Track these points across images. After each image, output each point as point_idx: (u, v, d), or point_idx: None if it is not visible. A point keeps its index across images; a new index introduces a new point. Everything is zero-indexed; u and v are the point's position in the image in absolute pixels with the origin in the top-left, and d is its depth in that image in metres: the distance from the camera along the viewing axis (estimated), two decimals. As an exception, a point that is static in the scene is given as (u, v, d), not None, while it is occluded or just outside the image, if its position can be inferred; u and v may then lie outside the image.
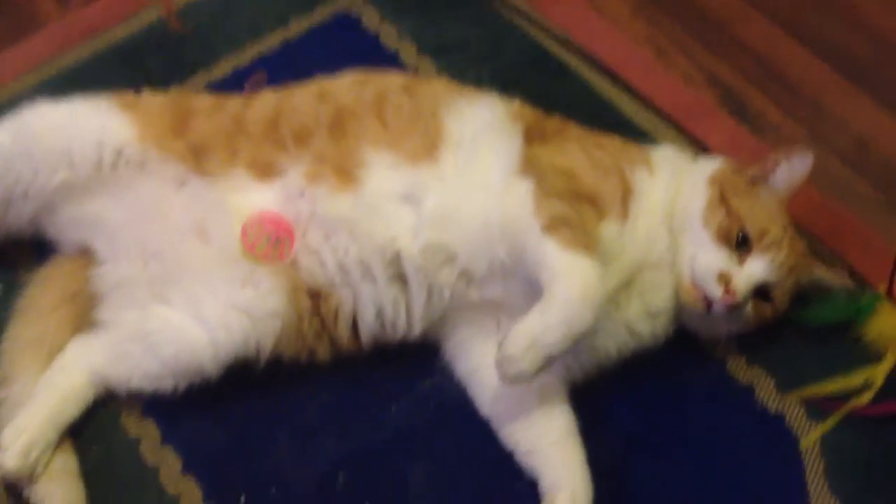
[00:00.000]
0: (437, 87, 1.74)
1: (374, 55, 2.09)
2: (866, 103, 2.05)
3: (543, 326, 1.43)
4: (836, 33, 2.17)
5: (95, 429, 1.65)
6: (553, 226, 1.49)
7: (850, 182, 1.95)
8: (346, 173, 1.60)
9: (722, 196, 1.63)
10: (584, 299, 1.43)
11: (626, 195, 1.61)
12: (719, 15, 2.19)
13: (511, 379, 1.45)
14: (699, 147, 1.96)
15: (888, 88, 2.08)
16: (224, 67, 2.08)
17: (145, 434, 1.65)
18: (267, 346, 1.59)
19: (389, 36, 2.12)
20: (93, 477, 1.60)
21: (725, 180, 1.66)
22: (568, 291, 1.43)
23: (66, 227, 1.71)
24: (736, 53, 2.13)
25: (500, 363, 1.45)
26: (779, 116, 2.04)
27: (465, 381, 1.67)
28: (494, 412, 1.63)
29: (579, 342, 1.45)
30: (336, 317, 1.63)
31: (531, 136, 1.68)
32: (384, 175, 1.60)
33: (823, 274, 1.71)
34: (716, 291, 1.57)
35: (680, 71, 2.11)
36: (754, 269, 1.59)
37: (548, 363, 1.44)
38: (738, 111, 2.05)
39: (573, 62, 2.09)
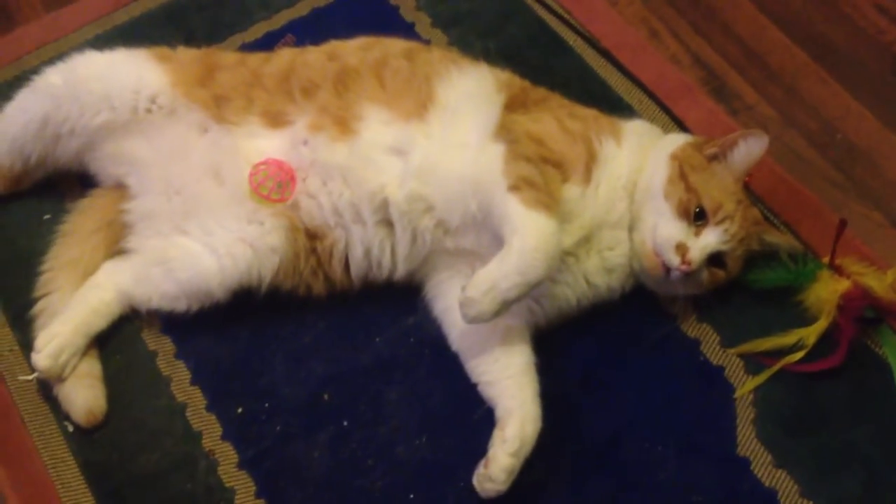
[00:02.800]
0: (435, 56, 1.79)
1: (393, 25, 2.14)
2: (838, 90, 2.06)
3: (501, 274, 1.49)
4: (818, 23, 2.17)
5: (119, 341, 1.76)
6: (518, 185, 1.54)
7: (814, 161, 1.97)
8: (344, 125, 1.67)
9: (682, 171, 1.67)
10: (538, 252, 1.49)
11: (590, 162, 1.65)
12: (712, 2, 2.20)
13: (471, 318, 1.52)
14: (678, 124, 1.99)
15: (860, 77, 2.09)
16: (258, 31, 2.16)
17: (161, 348, 1.76)
18: (267, 276, 1.68)
19: (408, 9, 2.18)
20: (114, 382, 1.71)
21: (686, 156, 1.69)
22: (524, 244, 1.49)
23: (105, 163, 1.80)
24: (722, 38, 2.15)
25: (463, 304, 1.52)
26: (755, 98, 2.06)
27: (440, 319, 1.73)
28: (463, 347, 1.70)
29: (533, 290, 1.52)
30: (330, 255, 1.70)
31: (514, 104, 1.73)
32: (378, 129, 1.66)
33: (774, 239, 1.75)
34: (674, 260, 1.63)
35: (669, 52, 2.13)
36: (709, 241, 1.64)
37: (504, 306, 1.51)
38: (717, 92, 2.07)
39: (571, 39, 2.13)
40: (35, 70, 1.83)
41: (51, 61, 1.84)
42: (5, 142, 1.79)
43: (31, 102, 1.77)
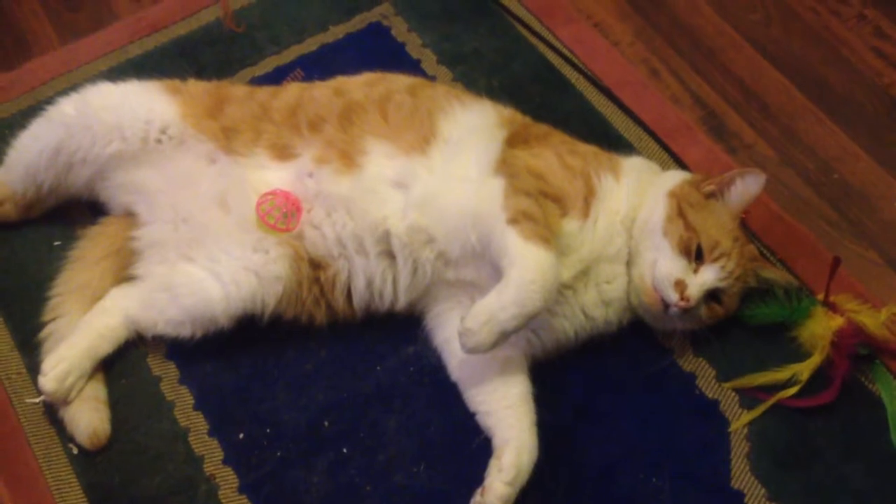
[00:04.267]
0: (438, 91, 1.83)
1: (399, 62, 2.19)
2: (835, 131, 2.11)
3: (499, 305, 1.52)
4: (817, 66, 2.22)
5: (125, 365, 1.79)
6: (517, 219, 1.57)
7: (810, 200, 2.01)
8: (349, 159, 1.71)
9: (680, 209, 1.70)
10: (536, 284, 1.52)
11: (588, 197, 1.69)
12: (712, 43, 2.25)
13: (470, 349, 1.55)
14: (677, 161, 2.03)
15: (857, 119, 2.13)
16: (268, 65, 2.21)
17: (166, 373, 1.79)
18: (270, 304, 1.71)
19: (414, 46, 2.23)
20: (118, 405, 1.74)
21: (684, 194, 1.73)
22: (522, 276, 1.52)
23: (115, 191, 1.84)
24: (722, 79, 2.20)
25: (462, 335, 1.55)
26: (753, 137, 2.10)
27: (440, 349, 1.77)
28: (462, 377, 1.73)
29: (531, 321, 1.55)
30: (333, 285, 1.74)
31: (516, 140, 1.77)
32: (381, 163, 1.70)
33: (771, 275, 1.78)
34: (672, 296, 1.66)
35: (669, 91, 2.18)
36: (707, 278, 1.67)
37: (503, 337, 1.54)
38: (716, 131, 2.11)
39: (573, 77, 2.18)
40: (49, 100, 1.88)
41: (65, 92, 1.88)
42: (19, 169, 1.84)
43: (44, 131, 1.81)
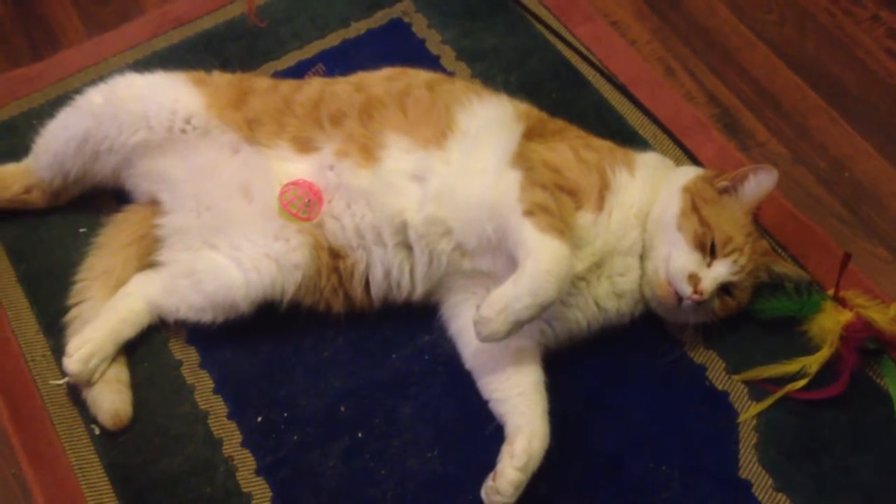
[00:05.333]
0: (457, 86, 1.85)
1: (419, 58, 2.21)
2: (848, 131, 2.11)
3: (514, 295, 1.54)
4: (831, 66, 2.23)
5: (147, 349, 1.82)
6: (533, 211, 1.59)
7: (822, 198, 2.02)
8: (369, 153, 1.73)
9: (694, 204, 1.71)
10: (550, 274, 1.54)
11: (603, 190, 1.70)
12: (727, 42, 2.27)
13: (485, 337, 1.57)
14: (691, 158, 2.04)
15: (869, 119, 2.14)
16: (290, 59, 2.23)
17: (187, 358, 1.82)
18: (289, 291, 1.74)
19: (434, 42, 2.25)
20: (140, 388, 1.77)
21: (698, 189, 1.74)
22: (537, 267, 1.54)
23: (140, 180, 1.87)
24: (737, 78, 2.21)
25: (477, 323, 1.57)
26: (766, 136, 2.11)
27: (455, 338, 1.79)
28: (476, 365, 1.75)
29: (545, 311, 1.57)
30: (351, 275, 1.76)
31: (532, 134, 1.78)
32: (399, 157, 1.72)
33: (782, 269, 1.79)
34: (686, 289, 1.67)
35: (684, 90, 2.19)
36: (720, 272, 1.68)
37: (517, 326, 1.56)
38: (730, 128, 2.12)
39: (590, 74, 2.19)
40: (77, 91, 1.90)
41: (92, 83, 1.90)
42: (47, 157, 1.86)
43: (72, 120, 1.84)
